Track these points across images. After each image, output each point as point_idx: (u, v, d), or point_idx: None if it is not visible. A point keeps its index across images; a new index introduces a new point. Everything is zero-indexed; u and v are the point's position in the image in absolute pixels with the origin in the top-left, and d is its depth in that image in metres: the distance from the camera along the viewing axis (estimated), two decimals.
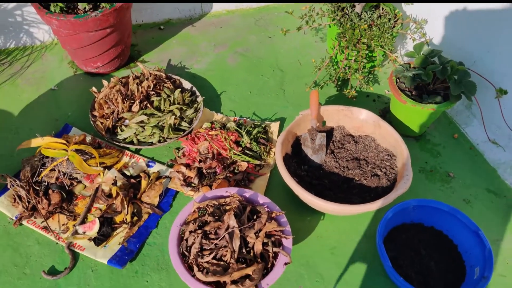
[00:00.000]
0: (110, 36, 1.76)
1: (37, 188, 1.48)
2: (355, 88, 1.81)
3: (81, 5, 1.69)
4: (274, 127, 1.74)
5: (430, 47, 1.73)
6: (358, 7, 1.78)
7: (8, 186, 1.47)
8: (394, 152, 1.54)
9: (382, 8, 1.84)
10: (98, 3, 1.71)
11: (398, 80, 1.65)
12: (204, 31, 2.20)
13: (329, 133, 1.64)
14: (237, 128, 1.65)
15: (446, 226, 1.42)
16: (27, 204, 1.45)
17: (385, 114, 1.81)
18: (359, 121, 1.61)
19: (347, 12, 1.80)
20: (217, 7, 2.28)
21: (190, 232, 1.26)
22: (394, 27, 1.76)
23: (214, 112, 1.79)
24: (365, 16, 1.76)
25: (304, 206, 1.45)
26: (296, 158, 1.57)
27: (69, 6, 1.72)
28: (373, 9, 1.82)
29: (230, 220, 1.24)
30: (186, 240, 1.25)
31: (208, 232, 1.25)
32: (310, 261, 1.39)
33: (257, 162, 1.59)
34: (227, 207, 1.31)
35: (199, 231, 1.24)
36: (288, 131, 1.54)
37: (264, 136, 1.67)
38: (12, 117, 1.77)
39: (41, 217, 1.43)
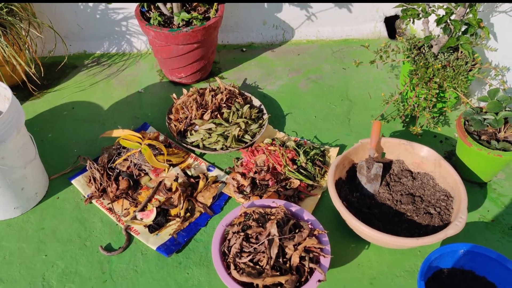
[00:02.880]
0: (196, 51, 1.95)
1: (110, 173, 1.66)
2: (421, 126, 1.79)
3: (176, 21, 1.91)
4: (333, 152, 1.77)
5: (509, 95, 1.67)
6: (435, 47, 1.79)
7: (87, 168, 1.67)
8: (452, 193, 1.50)
9: (461, 52, 1.82)
10: (190, 20, 1.91)
11: (466, 123, 1.61)
12: (282, 56, 2.33)
13: (387, 165, 1.64)
14: (296, 147, 1.71)
15: (499, 279, 1.33)
16: (99, 186, 1.63)
17: (451, 157, 1.76)
18: (419, 157, 1.59)
19: (423, 51, 1.81)
20: (298, 35, 2.41)
21: (233, 233, 1.33)
22: (470, 70, 1.73)
23: (277, 130, 1.87)
24: (441, 57, 1.76)
25: (350, 233, 1.46)
26: (349, 184, 1.59)
27: (166, 20, 1.95)
28: (451, 51, 1.81)
29: (272, 228, 1.29)
30: (229, 240, 1.32)
31: (249, 235, 1.31)
32: (347, 287, 1.38)
33: (310, 182, 1.63)
34: (272, 217, 1.37)
35: (242, 233, 1.31)
36: (345, 156, 1.57)
37: (321, 159, 1.72)
38: (102, 110, 2.01)
39: (108, 199, 1.60)
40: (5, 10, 1.87)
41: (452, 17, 1.67)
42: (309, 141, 1.83)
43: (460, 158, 1.65)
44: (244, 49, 2.37)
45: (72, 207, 1.61)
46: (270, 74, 2.21)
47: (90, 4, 2.17)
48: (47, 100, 2.07)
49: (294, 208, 1.41)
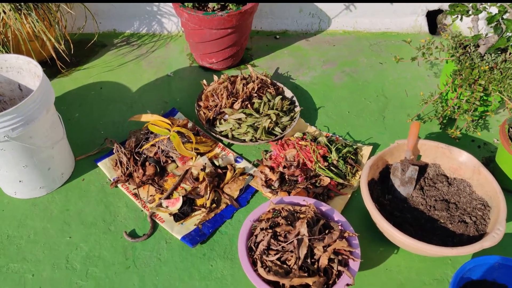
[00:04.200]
0: (230, 36, 1.89)
1: (137, 158, 1.63)
2: (460, 130, 1.71)
3: (211, 4, 1.85)
4: (366, 150, 1.71)
5: None
6: (483, 47, 1.69)
7: (114, 151, 1.65)
8: (489, 203, 1.43)
9: (510, 53, 1.72)
10: (226, 4, 1.85)
11: (510, 129, 1.53)
12: (316, 46, 2.25)
13: (422, 168, 1.57)
14: (328, 144, 1.65)
15: None
16: (125, 170, 1.61)
17: (489, 163, 1.68)
18: (457, 162, 1.52)
19: (469, 50, 1.71)
20: (334, 25, 2.32)
21: (261, 229, 1.29)
22: None
23: (308, 124, 1.81)
24: (488, 58, 1.66)
25: (379, 236, 1.41)
26: (381, 185, 1.53)
27: (201, 3, 1.89)
28: (499, 52, 1.71)
29: (302, 227, 1.25)
30: (256, 236, 1.29)
31: (278, 233, 1.27)
32: None
33: (340, 180, 1.57)
34: (301, 215, 1.32)
35: (270, 231, 1.27)
36: (379, 157, 1.51)
37: (353, 157, 1.66)
38: (130, 92, 1.98)
39: (134, 184, 1.58)
40: None
41: (505, 16, 1.57)
42: (341, 138, 1.77)
43: (500, 166, 1.57)
44: (277, 37, 2.30)
45: (97, 189, 1.59)
46: (303, 64, 2.14)
47: None
48: (75, 78, 2.05)
49: (324, 207, 1.36)
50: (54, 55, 1.91)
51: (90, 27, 2.18)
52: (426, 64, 2.09)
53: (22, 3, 1.76)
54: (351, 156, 1.65)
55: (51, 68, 2.04)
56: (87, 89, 2.00)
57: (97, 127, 1.82)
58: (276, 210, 1.35)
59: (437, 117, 1.77)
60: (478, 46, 1.73)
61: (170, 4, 2.15)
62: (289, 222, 1.30)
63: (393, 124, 1.84)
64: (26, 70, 1.52)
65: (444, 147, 1.52)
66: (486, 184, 1.44)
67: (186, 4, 1.84)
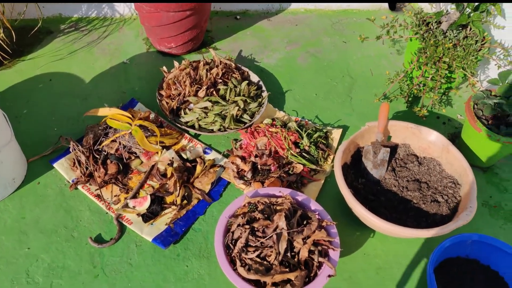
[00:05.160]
0: (189, 18, 1.77)
1: (97, 156, 1.52)
2: (426, 107, 1.72)
3: None
4: (336, 134, 1.68)
5: None
6: (445, 24, 1.69)
7: (70, 150, 1.52)
8: (459, 180, 1.45)
9: (470, 29, 1.73)
10: None
11: (475, 106, 1.55)
12: (278, 26, 2.17)
13: (393, 149, 1.57)
14: (298, 129, 1.61)
15: (503, 268, 1.31)
16: (84, 170, 1.49)
17: (454, 139, 1.71)
18: (427, 142, 1.52)
19: (431, 27, 1.71)
20: (295, 4, 2.25)
21: (238, 225, 1.24)
22: (480, 50, 1.65)
23: (277, 109, 1.76)
24: (450, 35, 1.66)
25: (354, 220, 1.40)
26: (354, 169, 1.52)
27: None
28: (460, 28, 1.72)
29: (280, 221, 1.21)
30: (233, 232, 1.23)
31: (256, 229, 1.22)
32: (353, 276, 1.33)
33: (313, 166, 1.54)
34: (278, 207, 1.28)
35: (247, 226, 1.22)
36: (351, 141, 1.49)
37: (324, 142, 1.63)
38: (83, 84, 1.83)
39: (96, 185, 1.47)
40: None
41: None
42: (310, 122, 1.73)
43: (466, 142, 1.60)
44: (238, 17, 2.20)
45: (55, 193, 1.47)
46: (267, 46, 2.06)
47: None
48: (20, 70, 1.86)
49: (300, 197, 1.33)
50: None
51: (33, 12, 1.98)
52: (388, 41, 2.07)
53: None
54: (322, 141, 1.62)
55: None
56: (34, 81, 1.82)
57: (49, 124, 1.67)
58: (252, 203, 1.30)
59: (403, 96, 1.77)
60: (441, 23, 1.73)
61: None
62: (266, 216, 1.26)
63: (361, 105, 1.82)
64: None
65: (413, 127, 1.52)
66: (455, 162, 1.46)
67: None
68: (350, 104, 1.82)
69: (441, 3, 1.76)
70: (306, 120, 1.73)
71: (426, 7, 2.22)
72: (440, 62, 1.62)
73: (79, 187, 1.48)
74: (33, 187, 1.48)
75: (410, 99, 1.82)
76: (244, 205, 1.30)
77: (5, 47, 1.78)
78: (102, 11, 2.12)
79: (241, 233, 1.22)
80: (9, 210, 1.42)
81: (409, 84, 1.76)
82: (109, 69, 1.89)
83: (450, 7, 1.66)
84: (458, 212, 1.36)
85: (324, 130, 1.68)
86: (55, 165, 1.52)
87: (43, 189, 1.48)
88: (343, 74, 1.94)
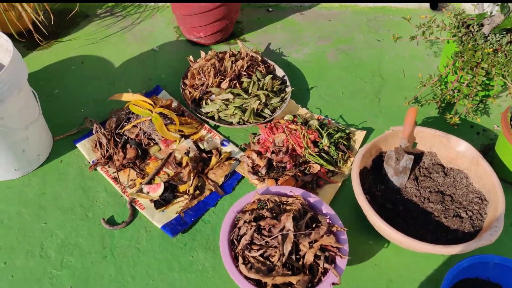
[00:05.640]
0: (219, 9, 1.76)
1: (118, 140, 1.54)
2: (459, 115, 1.62)
3: None
4: (359, 135, 1.62)
5: None
6: (487, 27, 1.58)
7: (93, 132, 1.56)
8: (487, 196, 1.36)
9: None
10: None
11: None
12: (311, 21, 2.12)
13: (418, 157, 1.49)
14: (319, 128, 1.57)
15: None
16: (105, 152, 1.52)
17: (487, 151, 1.60)
18: (455, 152, 1.44)
19: (472, 30, 1.60)
20: None
21: (245, 221, 1.22)
22: None
23: (299, 106, 1.72)
24: (492, 39, 1.55)
25: (369, 228, 1.34)
26: (374, 174, 1.46)
27: None
28: (504, 32, 1.60)
29: (288, 222, 1.18)
30: (239, 228, 1.22)
31: (262, 227, 1.20)
32: (361, 287, 1.28)
33: (331, 168, 1.50)
34: (288, 207, 1.25)
35: (254, 224, 1.20)
36: (373, 144, 1.43)
37: (346, 143, 1.58)
38: (112, 68, 1.87)
39: (114, 167, 1.50)
40: None
41: None
42: (333, 121, 1.68)
43: (499, 155, 1.50)
44: (270, 9, 2.16)
45: (75, 172, 1.51)
46: (297, 40, 2.01)
47: None
48: (56, 52, 1.93)
49: (312, 199, 1.29)
50: (31, 27, 1.78)
51: None
52: (426, 42, 1.97)
53: None
54: (343, 142, 1.57)
55: (30, 41, 1.91)
56: (68, 63, 1.88)
57: (77, 105, 1.72)
58: (262, 200, 1.28)
59: (436, 101, 1.67)
60: (482, 25, 1.61)
61: None
62: (274, 215, 1.23)
63: (389, 107, 1.74)
64: None
65: (441, 135, 1.44)
66: (485, 177, 1.37)
67: None
68: (378, 105, 1.75)
69: (485, 4, 1.64)
70: (329, 119, 1.68)
71: (469, 8, 2.09)
72: (477, 67, 1.52)
73: (98, 168, 1.51)
74: (56, 165, 1.54)
75: (443, 105, 1.72)
76: (254, 202, 1.28)
77: (42, 29, 1.84)
78: None
79: (246, 230, 1.20)
80: (32, 185, 1.48)
81: (442, 89, 1.66)
82: (138, 55, 1.92)
83: (495, 9, 1.55)
84: (482, 230, 1.28)
85: (347, 131, 1.62)
86: (78, 145, 1.57)
87: (65, 167, 1.53)
88: (373, 74, 1.87)
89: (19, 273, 1.28)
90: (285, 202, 1.27)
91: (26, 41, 1.91)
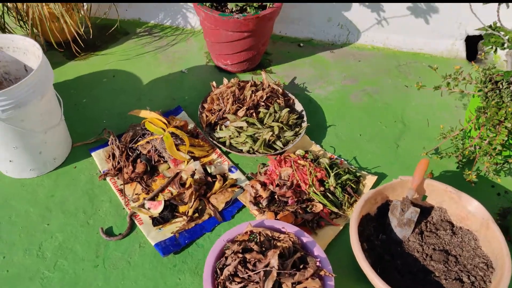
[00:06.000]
0: (246, 40, 1.81)
1: (130, 153, 1.59)
2: (479, 173, 1.54)
3: (230, 5, 1.77)
4: (369, 180, 1.58)
5: None
6: None
7: (108, 143, 1.62)
8: (494, 263, 1.27)
9: None
10: (244, 6, 1.77)
11: None
12: (340, 59, 2.12)
13: (426, 210, 1.43)
14: (328, 167, 1.54)
15: None
16: (116, 164, 1.58)
17: (506, 215, 1.51)
18: (466, 211, 1.36)
19: (500, 87, 1.54)
20: (363, 39, 2.18)
21: (233, 252, 1.21)
22: None
23: (313, 142, 1.71)
24: None
25: (365, 278, 1.29)
26: (377, 222, 1.41)
27: (220, 2, 1.82)
28: None
29: (273, 258, 1.16)
30: (226, 258, 1.21)
31: (248, 260, 1.19)
32: None
33: (335, 209, 1.46)
34: (278, 243, 1.23)
35: (240, 255, 1.19)
36: (378, 191, 1.39)
37: (354, 186, 1.54)
38: (141, 84, 1.95)
39: (122, 180, 1.55)
40: None
41: None
42: (346, 162, 1.65)
43: None
44: (301, 44, 2.19)
45: (86, 179, 1.57)
46: (323, 77, 2.02)
47: None
48: (91, 63, 2.04)
49: (305, 238, 1.26)
50: (70, 39, 1.91)
51: (115, 13, 2.16)
52: (449, 94, 1.91)
53: None
54: (351, 185, 1.53)
55: (70, 50, 2.04)
56: (100, 75, 1.99)
57: (101, 116, 1.80)
58: (254, 233, 1.27)
59: (456, 155, 1.61)
60: (511, 83, 1.55)
61: None
62: (263, 249, 1.21)
63: (406, 155, 1.69)
64: (31, 52, 1.52)
65: (452, 192, 1.38)
66: (494, 242, 1.28)
67: (204, 2, 1.78)
68: (395, 152, 1.70)
69: None
70: (342, 159, 1.65)
71: (502, 64, 2.01)
72: (500, 126, 1.45)
73: (107, 178, 1.56)
74: (70, 170, 1.60)
75: (463, 160, 1.65)
76: (246, 233, 1.27)
77: (80, 42, 1.96)
78: (176, 21, 2.25)
79: (231, 261, 1.19)
80: (43, 186, 1.55)
81: (464, 144, 1.60)
82: (167, 75, 1.99)
83: None
84: None
85: (358, 174, 1.59)
86: (93, 154, 1.63)
87: (77, 173, 1.59)
88: (395, 119, 1.83)
89: (15, 269, 1.33)
90: (276, 238, 1.25)
91: (65, 51, 2.04)
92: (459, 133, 1.58)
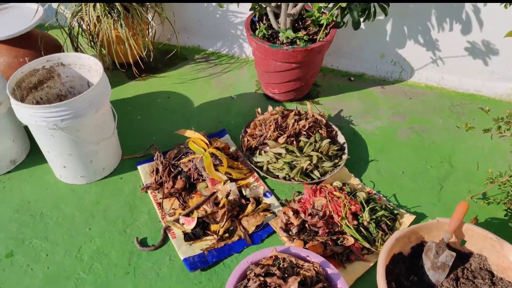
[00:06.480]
0: (294, 71, 1.85)
1: (172, 170, 1.67)
2: None
3: (281, 37, 1.84)
4: (407, 219, 1.52)
5: None
6: None
7: (154, 158, 1.71)
8: None
9: None
10: (294, 39, 1.82)
11: None
12: (390, 96, 2.09)
13: (464, 256, 1.35)
14: (363, 201, 1.51)
15: None
16: (158, 178, 1.66)
17: None
18: (508, 261, 1.27)
19: None
20: (417, 77, 2.14)
21: (255, 274, 1.22)
22: None
23: (352, 175, 1.68)
24: None
25: None
26: (410, 263, 1.35)
27: (272, 34, 1.90)
28: None
29: (293, 285, 1.15)
30: (248, 279, 1.22)
31: (268, 284, 1.18)
32: None
33: (367, 245, 1.42)
34: (301, 271, 1.22)
35: (262, 278, 1.19)
36: (412, 230, 1.34)
37: (390, 223, 1.49)
38: (191, 106, 2.06)
39: (162, 194, 1.62)
40: None
41: None
42: (384, 198, 1.60)
43: None
44: (352, 79, 2.20)
45: (129, 190, 1.67)
46: (370, 111, 2.00)
47: (213, 3, 2.23)
48: (149, 84, 2.19)
49: (330, 270, 1.24)
50: (131, 61, 2.08)
51: (178, 39, 2.33)
52: (499, 138, 1.80)
53: (115, 11, 1.94)
54: (387, 221, 1.49)
55: (131, 71, 2.21)
56: (156, 96, 2.12)
57: (152, 133, 1.91)
58: (278, 258, 1.27)
59: (504, 202, 1.51)
60: None
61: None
62: (285, 275, 1.21)
63: (450, 198, 1.61)
64: (94, 70, 1.67)
65: (494, 239, 1.29)
66: None
67: (256, 33, 1.86)
68: (439, 193, 1.63)
69: None
70: (381, 195, 1.61)
71: None
72: None
73: (149, 191, 1.65)
74: (116, 180, 1.71)
75: None
76: (271, 257, 1.27)
77: (141, 65, 2.12)
78: (232, 50, 2.37)
79: (252, 283, 1.19)
80: (91, 193, 1.67)
81: None
82: (217, 100, 2.08)
83: None
84: None
85: (395, 212, 1.54)
86: (139, 167, 1.73)
87: (123, 184, 1.69)
88: (442, 160, 1.75)
89: (54, 267, 1.43)
90: (300, 266, 1.24)
91: (127, 71, 2.21)
92: (509, 179, 1.49)
